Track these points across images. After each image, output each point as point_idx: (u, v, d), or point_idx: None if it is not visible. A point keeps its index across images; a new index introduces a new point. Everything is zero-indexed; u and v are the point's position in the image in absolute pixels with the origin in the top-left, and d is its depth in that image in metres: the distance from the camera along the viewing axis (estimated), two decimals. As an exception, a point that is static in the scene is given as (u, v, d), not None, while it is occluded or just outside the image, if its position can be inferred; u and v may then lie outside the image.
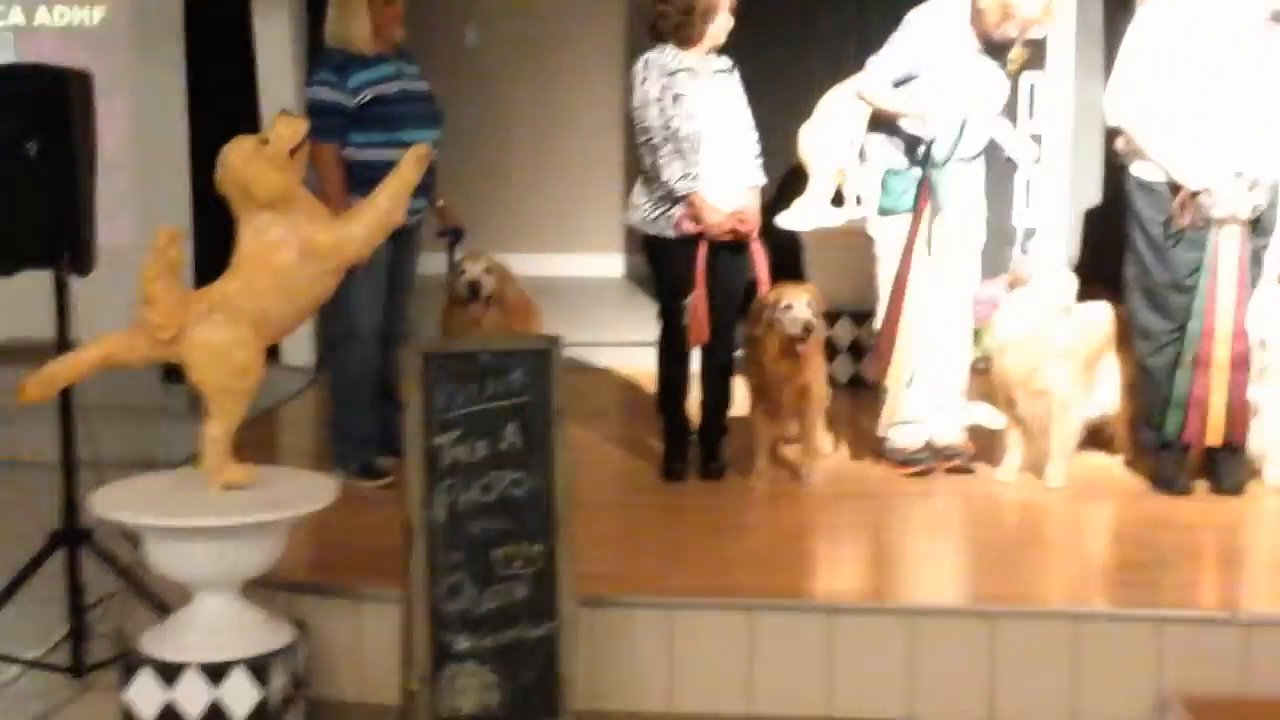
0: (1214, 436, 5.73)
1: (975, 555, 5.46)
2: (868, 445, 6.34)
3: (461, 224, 6.18)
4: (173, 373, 4.53)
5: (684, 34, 5.77)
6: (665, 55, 5.78)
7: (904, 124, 5.87)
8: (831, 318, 6.10)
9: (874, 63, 5.90)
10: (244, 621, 4.38)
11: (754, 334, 5.83)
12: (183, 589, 4.44)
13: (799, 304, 5.74)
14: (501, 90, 10.34)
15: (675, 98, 5.71)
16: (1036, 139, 6.54)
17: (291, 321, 4.50)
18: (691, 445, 6.08)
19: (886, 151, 5.97)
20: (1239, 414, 5.71)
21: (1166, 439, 5.79)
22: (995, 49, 5.85)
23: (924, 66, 5.80)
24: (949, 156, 5.82)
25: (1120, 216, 5.93)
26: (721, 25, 5.78)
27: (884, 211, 6.00)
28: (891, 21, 6.01)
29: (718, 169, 5.76)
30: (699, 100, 5.75)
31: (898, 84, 5.85)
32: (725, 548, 5.33)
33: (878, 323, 6.08)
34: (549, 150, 10.40)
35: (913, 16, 5.86)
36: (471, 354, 4.37)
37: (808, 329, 5.72)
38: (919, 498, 5.88)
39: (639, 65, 5.82)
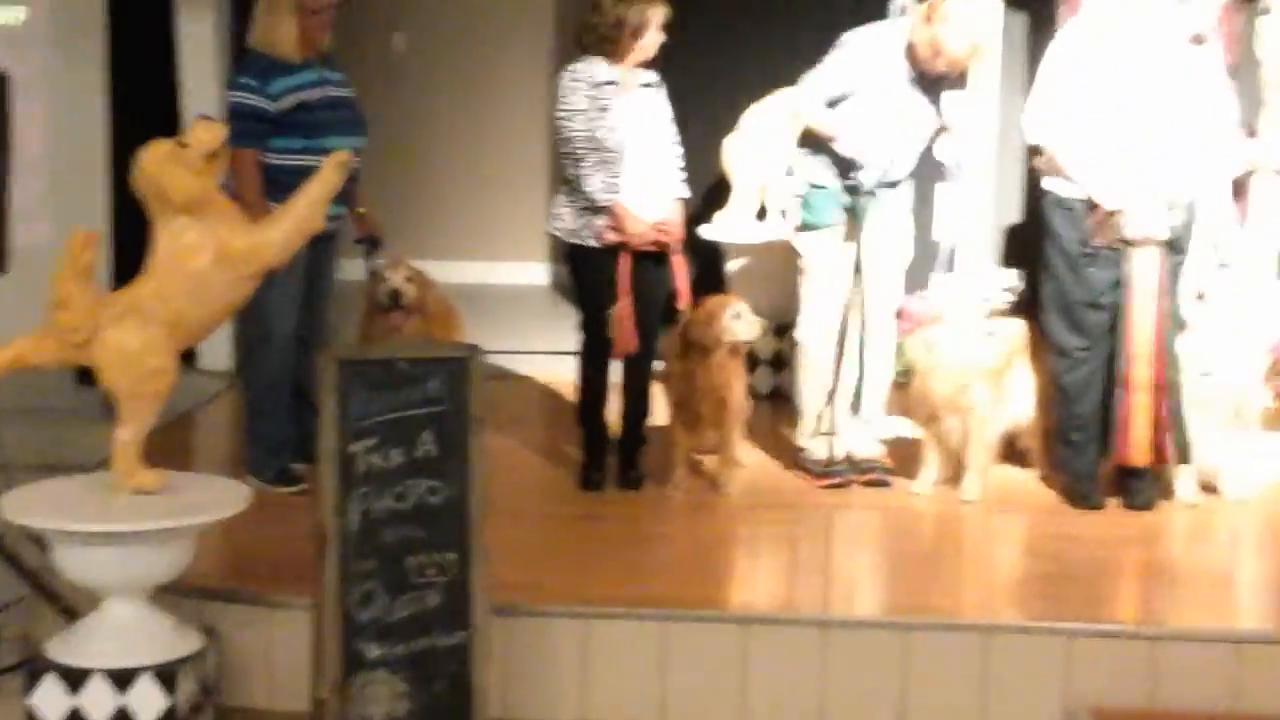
0: (1139, 457, 5.77)
1: (890, 567, 5.49)
2: (786, 457, 6.36)
3: (381, 232, 6.15)
4: (86, 375, 4.48)
5: (613, 48, 5.76)
6: (592, 67, 5.78)
7: (834, 144, 5.89)
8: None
9: (808, 81, 5.90)
10: (152, 628, 4.34)
11: (696, 344, 5.84)
12: (91, 594, 4.40)
13: (747, 311, 5.80)
14: (428, 97, 10.29)
15: (601, 109, 5.72)
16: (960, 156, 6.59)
17: (206, 326, 4.46)
18: (610, 455, 6.08)
19: (811, 166, 5.99)
20: (1163, 435, 5.76)
21: (1081, 452, 5.84)
22: (928, 80, 5.88)
23: (857, 89, 5.82)
24: (877, 185, 5.86)
25: (1041, 234, 5.98)
26: (651, 41, 5.79)
27: (807, 227, 6.03)
28: (819, 37, 6.03)
29: (641, 180, 5.76)
30: (624, 113, 5.75)
31: (830, 104, 5.87)
32: (642, 557, 5.34)
33: (799, 333, 6.10)
34: (475, 158, 10.36)
35: (849, 38, 5.87)
36: (388, 361, 4.34)
37: (765, 329, 5.92)
38: (836, 509, 5.91)
39: (565, 76, 5.81)
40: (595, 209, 5.74)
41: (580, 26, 5.83)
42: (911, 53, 5.80)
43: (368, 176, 5.97)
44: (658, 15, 5.75)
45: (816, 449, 6.12)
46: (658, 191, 5.82)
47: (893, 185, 5.96)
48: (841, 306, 5.96)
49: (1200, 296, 6.01)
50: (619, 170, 5.72)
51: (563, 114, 5.77)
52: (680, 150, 5.94)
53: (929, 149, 6.05)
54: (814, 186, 5.98)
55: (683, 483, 5.96)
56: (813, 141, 5.97)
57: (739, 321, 5.82)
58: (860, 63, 5.83)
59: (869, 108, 5.82)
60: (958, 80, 5.95)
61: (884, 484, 6.08)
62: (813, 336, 6.06)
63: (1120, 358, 5.71)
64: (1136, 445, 5.75)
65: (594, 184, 5.71)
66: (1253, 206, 6.71)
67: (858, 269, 5.91)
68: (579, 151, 5.73)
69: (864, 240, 5.91)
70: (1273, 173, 6.59)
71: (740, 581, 5.37)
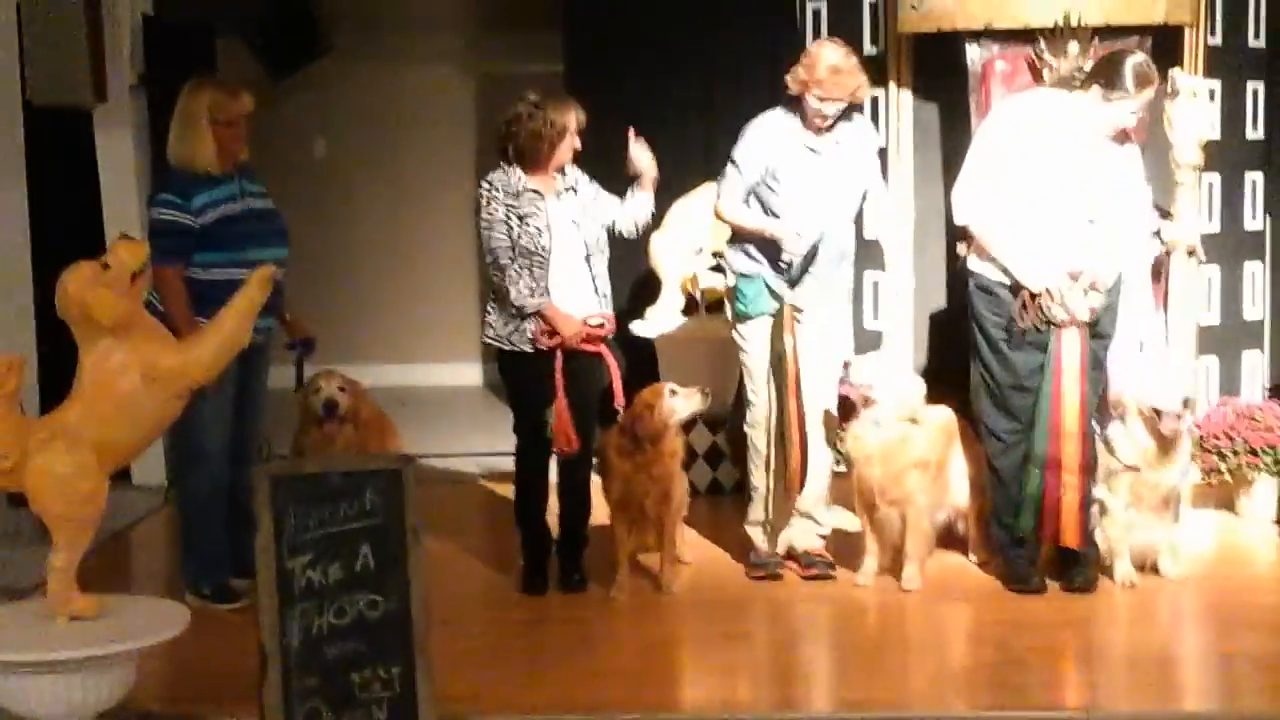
0: (1069, 537, 5.79)
1: (836, 660, 5.49)
2: (728, 552, 6.34)
3: (312, 334, 6.12)
4: (18, 497, 4.42)
5: (532, 158, 5.80)
6: (510, 176, 5.81)
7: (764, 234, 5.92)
8: (688, 424, 6.14)
9: (721, 183, 5.97)
10: (93, 757, 4.26)
11: (644, 435, 5.84)
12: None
13: (679, 387, 5.90)
14: (353, 200, 10.32)
15: (521, 217, 5.75)
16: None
17: (136, 446, 4.41)
18: (551, 557, 6.05)
19: (739, 258, 6.03)
20: (1083, 516, 5.79)
21: (1018, 537, 5.86)
22: (831, 141, 5.88)
23: (768, 171, 5.87)
24: (801, 273, 5.90)
25: (964, 318, 6.02)
26: (568, 147, 5.83)
27: (740, 317, 6.05)
28: (740, 130, 6.09)
29: (567, 282, 5.80)
30: (545, 218, 5.78)
31: (749, 194, 5.92)
32: (588, 661, 5.30)
33: (747, 425, 6.09)
34: (402, 260, 10.38)
35: (747, 127, 5.94)
36: (322, 475, 4.31)
37: (705, 394, 5.91)
38: (780, 604, 5.90)
39: (483, 188, 5.85)
40: (523, 315, 5.76)
41: (499, 136, 5.86)
42: (799, 109, 5.85)
43: (298, 281, 5.95)
44: (574, 122, 5.79)
45: (760, 541, 6.11)
46: (583, 291, 5.86)
47: (827, 265, 5.97)
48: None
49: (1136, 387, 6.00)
50: (544, 274, 5.75)
51: (484, 224, 5.80)
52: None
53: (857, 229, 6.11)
54: (744, 277, 6.01)
55: (626, 584, 5.93)
56: (739, 235, 6.01)
57: (678, 398, 5.87)
58: (761, 145, 5.88)
59: (783, 185, 5.87)
60: (850, 112, 5.94)
61: (827, 577, 6.07)
62: (761, 426, 6.06)
63: (1046, 438, 5.74)
64: (1069, 526, 5.77)
65: (519, 291, 5.73)
66: (1171, 286, 6.79)
67: (795, 358, 5.93)
68: (501, 260, 5.76)
69: (801, 330, 5.94)
70: (1186, 253, 6.69)
71: (688, 682, 5.33)
